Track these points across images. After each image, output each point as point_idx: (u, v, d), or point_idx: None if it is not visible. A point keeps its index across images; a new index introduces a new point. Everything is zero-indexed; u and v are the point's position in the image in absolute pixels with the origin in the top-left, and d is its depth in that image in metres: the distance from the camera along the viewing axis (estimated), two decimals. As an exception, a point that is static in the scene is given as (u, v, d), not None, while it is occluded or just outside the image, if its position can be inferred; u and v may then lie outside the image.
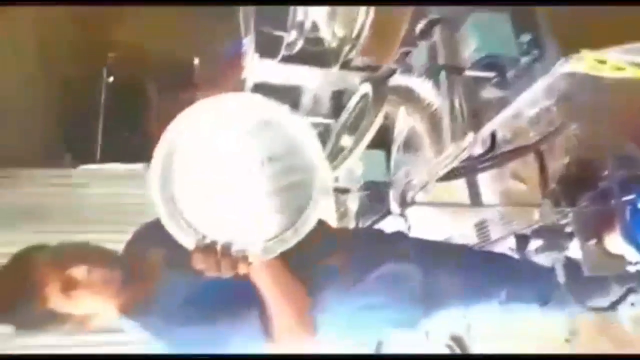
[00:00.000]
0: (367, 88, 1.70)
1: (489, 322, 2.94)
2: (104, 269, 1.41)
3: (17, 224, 3.40)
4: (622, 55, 1.07)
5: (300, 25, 1.53)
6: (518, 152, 2.05)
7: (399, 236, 1.79)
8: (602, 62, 1.07)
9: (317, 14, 1.52)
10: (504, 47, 1.21)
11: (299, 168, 1.15)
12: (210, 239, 1.14)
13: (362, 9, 1.35)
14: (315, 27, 1.56)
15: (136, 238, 1.64)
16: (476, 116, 1.34)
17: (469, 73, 1.28)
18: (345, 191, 2.02)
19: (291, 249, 1.17)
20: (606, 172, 1.57)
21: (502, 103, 1.30)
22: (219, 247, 1.14)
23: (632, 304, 1.59)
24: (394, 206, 1.66)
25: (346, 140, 1.81)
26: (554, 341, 2.59)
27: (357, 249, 1.69)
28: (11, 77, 4.16)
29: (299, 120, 1.15)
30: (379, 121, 1.66)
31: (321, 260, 1.56)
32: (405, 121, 1.62)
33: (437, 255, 1.80)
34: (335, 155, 1.81)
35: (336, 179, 2.02)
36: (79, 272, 1.38)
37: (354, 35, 1.41)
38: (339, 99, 2.00)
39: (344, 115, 1.88)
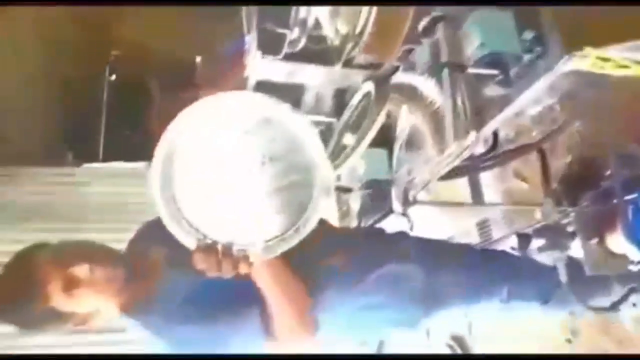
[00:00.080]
0: (369, 86, 1.70)
1: (490, 321, 2.95)
2: (106, 267, 1.41)
3: (19, 223, 3.40)
4: (625, 53, 1.07)
5: (303, 23, 1.53)
6: (520, 151, 2.05)
7: (400, 235, 1.79)
8: (606, 59, 1.06)
9: (320, 11, 1.51)
10: (507, 44, 1.21)
11: (300, 167, 1.15)
12: (211, 239, 1.14)
13: (365, 7, 1.34)
14: (317, 24, 1.56)
15: (138, 236, 1.64)
16: (479, 114, 1.33)
17: (471, 71, 1.27)
18: (347, 190, 2.02)
19: (292, 249, 1.16)
20: (608, 172, 1.56)
21: (505, 101, 1.29)
22: (220, 247, 1.14)
23: (634, 304, 1.59)
24: (396, 205, 1.66)
25: (348, 139, 1.81)
26: (555, 341, 2.59)
27: (358, 249, 1.68)
28: (13, 76, 4.17)
29: (300, 119, 1.14)
30: (381, 119, 1.65)
31: (322, 260, 1.56)
32: (407, 119, 1.62)
33: (439, 255, 1.80)
34: (338, 154, 1.80)
35: (338, 178, 2.01)
36: (81, 270, 1.38)
37: (356, 32, 1.40)
38: (341, 97, 2.00)
39: (347, 114, 1.88)
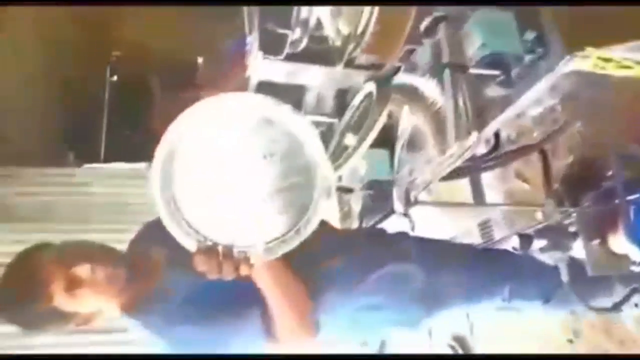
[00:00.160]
0: (371, 87, 1.70)
1: (491, 321, 2.95)
2: (108, 267, 1.41)
3: (21, 223, 3.41)
4: (627, 54, 1.07)
5: (305, 23, 1.52)
6: (522, 152, 2.05)
7: (402, 236, 1.79)
8: (607, 60, 1.06)
9: (322, 12, 1.51)
10: (508, 45, 1.21)
11: (301, 168, 1.15)
12: (212, 240, 1.14)
13: (367, 7, 1.34)
14: (319, 25, 1.56)
15: (139, 237, 1.64)
16: (480, 115, 1.33)
17: (473, 71, 1.27)
18: (348, 190, 2.02)
19: (293, 250, 1.16)
20: (610, 172, 1.56)
21: (507, 102, 1.29)
22: (220, 249, 1.14)
23: (636, 305, 1.59)
24: (398, 205, 1.66)
25: (350, 139, 1.80)
26: (557, 341, 2.59)
27: (359, 249, 1.68)
28: (14, 77, 4.17)
29: (301, 120, 1.14)
30: (382, 120, 1.65)
31: (323, 261, 1.56)
32: (409, 120, 1.62)
33: (440, 255, 1.80)
34: (339, 154, 1.80)
35: (339, 178, 2.01)
36: (82, 270, 1.38)
37: (358, 33, 1.40)
38: (343, 98, 2.00)
39: (348, 114, 1.88)
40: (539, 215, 1.99)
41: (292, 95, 1.95)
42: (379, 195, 1.85)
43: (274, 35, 1.53)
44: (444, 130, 1.37)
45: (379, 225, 1.87)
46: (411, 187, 1.65)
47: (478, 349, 3.19)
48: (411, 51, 1.51)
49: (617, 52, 1.07)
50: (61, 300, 1.36)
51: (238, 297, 1.34)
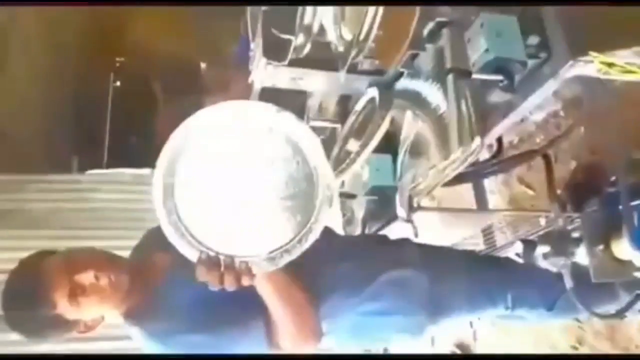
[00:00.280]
0: (373, 92, 1.70)
1: (494, 328, 2.94)
2: (111, 274, 1.41)
3: (25, 230, 3.41)
4: (631, 58, 1.07)
5: (308, 29, 1.53)
6: (525, 157, 2.05)
7: (405, 242, 1.79)
8: (611, 64, 1.06)
9: (325, 17, 1.52)
10: (511, 50, 1.20)
11: (303, 177, 1.14)
12: (214, 251, 1.14)
13: (370, 12, 1.34)
14: (322, 30, 1.56)
15: (143, 243, 1.64)
16: (483, 120, 1.33)
17: (476, 76, 1.27)
18: (351, 196, 2.01)
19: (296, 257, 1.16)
20: (614, 177, 1.56)
21: (510, 107, 1.29)
22: (222, 260, 1.14)
23: (640, 311, 1.58)
24: (401, 211, 1.65)
25: (352, 145, 1.80)
26: (561, 348, 2.58)
27: (362, 256, 1.68)
28: (18, 84, 4.19)
29: (303, 128, 1.14)
30: (385, 125, 1.65)
31: (326, 267, 1.55)
32: (411, 125, 1.61)
33: (443, 261, 1.79)
34: (342, 160, 1.80)
35: (342, 184, 2.01)
36: (86, 277, 1.38)
37: (361, 38, 1.40)
38: (345, 103, 2.00)
39: (351, 120, 1.88)
40: (542, 220, 1.99)
41: (295, 100, 1.95)
42: (381, 201, 1.85)
43: (277, 41, 1.53)
44: (447, 136, 1.36)
45: (382, 232, 1.87)
46: (414, 193, 1.65)
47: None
48: (414, 56, 1.51)
49: (621, 56, 1.07)
50: (65, 307, 1.36)
51: (241, 306, 1.34)
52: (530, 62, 1.21)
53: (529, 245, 1.63)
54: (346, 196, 2.04)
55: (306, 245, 1.14)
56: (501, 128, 1.35)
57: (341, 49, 1.55)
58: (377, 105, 1.67)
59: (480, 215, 2.19)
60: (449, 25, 1.38)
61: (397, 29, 1.39)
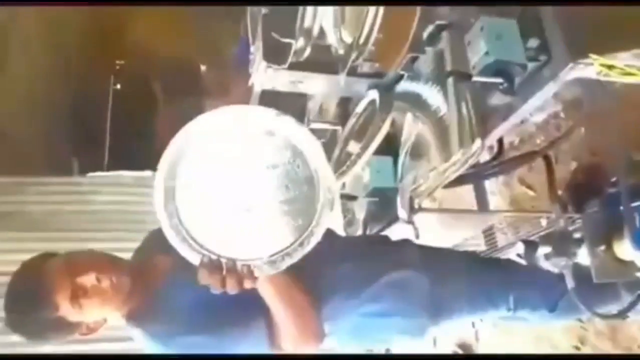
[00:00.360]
0: (374, 94, 1.71)
1: (496, 329, 2.94)
2: (113, 276, 1.42)
3: (26, 232, 3.41)
4: (631, 60, 1.07)
5: (308, 32, 1.53)
6: (525, 158, 2.05)
7: (406, 243, 1.79)
8: (611, 67, 1.06)
9: (325, 20, 1.52)
10: (511, 52, 1.21)
11: (304, 180, 1.14)
12: (215, 254, 1.14)
13: (370, 15, 1.35)
14: (322, 33, 1.56)
15: (144, 245, 1.65)
16: (484, 122, 1.34)
17: (476, 79, 1.27)
18: (352, 198, 2.02)
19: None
20: (614, 178, 1.56)
21: (510, 109, 1.29)
22: (224, 263, 1.14)
23: (642, 311, 1.58)
24: (402, 213, 1.66)
25: (353, 147, 1.81)
26: (563, 349, 2.58)
27: (363, 257, 1.68)
28: (19, 86, 4.20)
29: (304, 131, 1.14)
30: (386, 127, 1.65)
31: (327, 269, 1.55)
32: (412, 127, 1.62)
33: (444, 262, 1.79)
34: (343, 162, 1.80)
35: (343, 186, 2.01)
36: (88, 280, 1.38)
37: (361, 41, 1.40)
38: (346, 105, 2.00)
39: (351, 122, 1.88)
40: (544, 221, 1.99)
41: (295, 103, 1.95)
42: (382, 202, 1.85)
43: (277, 45, 1.53)
44: (448, 138, 1.37)
45: (383, 233, 1.87)
46: (415, 195, 1.65)
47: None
48: (414, 59, 1.51)
49: (621, 59, 1.07)
50: (67, 309, 1.37)
51: (242, 308, 1.34)
52: (530, 65, 1.21)
53: (531, 246, 1.63)
54: (347, 198, 2.04)
55: (308, 248, 1.14)
56: (501, 130, 1.36)
57: (341, 52, 1.55)
58: (378, 107, 1.67)
59: (481, 217, 2.19)
60: (448, 28, 1.39)
61: (397, 31, 1.39)
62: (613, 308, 1.51)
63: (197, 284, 1.14)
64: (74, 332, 1.44)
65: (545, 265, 1.60)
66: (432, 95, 1.51)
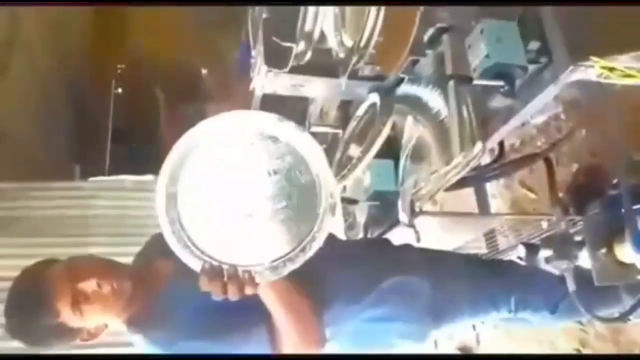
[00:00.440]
0: (374, 97, 1.71)
1: (498, 331, 2.93)
2: (114, 282, 1.41)
3: (28, 237, 3.41)
4: (631, 63, 1.07)
5: (309, 36, 1.53)
6: (526, 161, 2.05)
7: (407, 247, 1.79)
8: (611, 69, 1.06)
9: (325, 24, 1.52)
10: (512, 55, 1.21)
11: (306, 186, 1.14)
12: (216, 260, 1.14)
13: (370, 18, 1.35)
14: (323, 37, 1.56)
15: (145, 250, 1.64)
16: (485, 125, 1.34)
17: (477, 82, 1.27)
18: (353, 201, 2.02)
19: None
20: (615, 180, 1.56)
21: (511, 111, 1.29)
22: (225, 269, 1.14)
23: (644, 314, 1.57)
24: (403, 216, 1.66)
25: (354, 150, 1.81)
26: (564, 351, 2.58)
27: (364, 261, 1.68)
28: (19, 91, 4.20)
29: (305, 136, 1.14)
30: (386, 131, 1.66)
31: (328, 274, 1.55)
32: (413, 130, 1.62)
33: (446, 266, 1.79)
34: (344, 165, 1.80)
35: (344, 189, 2.01)
36: (89, 286, 1.38)
37: (362, 45, 1.41)
38: (347, 108, 2.00)
39: (352, 125, 1.88)
40: (545, 224, 1.99)
41: (296, 106, 1.95)
42: (383, 206, 1.85)
43: (278, 49, 1.53)
44: (449, 141, 1.37)
45: (384, 237, 1.87)
46: (416, 198, 1.65)
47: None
48: (415, 62, 1.51)
49: (622, 61, 1.07)
50: (68, 315, 1.36)
51: (243, 313, 1.34)
52: (531, 68, 1.21)
53: (532, 249, 1.63)
54: (348, 201, 2.04)
55: (310, 253, 1.14)
56: (502, 133, 1.36)
57: (342, 55, 1.55)
58: (378, 110, 1.67)
59: (482, 220, 2.19)
60: (449, 31, 1.39)
61: (397, 35, 1.39)
62: (615, 311, 1.51)
63: (198, 290, 1.13)
64: (75, 338, 1.44)
65: (547, 267, 1.60)
66: (432, 98, 1.51)
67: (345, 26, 1.50)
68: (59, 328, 1.38)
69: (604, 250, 1.42)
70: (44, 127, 4.41)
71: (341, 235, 2.12)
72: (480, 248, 2.45)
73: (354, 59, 1.47)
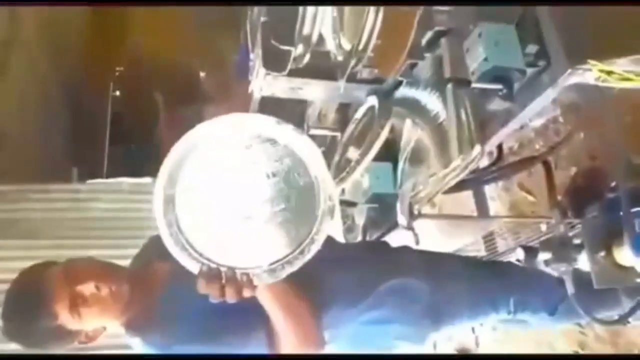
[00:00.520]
0: (373, 100, 1.71)
1: (497, 333, 2.93)
2: (112, 284, 1.41)
3: (27, 239, 3.41)
4: (629, 66, 1.07)
5: (307, 39, 1.53)
6: (525, 164, 2.05)
7: (405, 249, 1.79)
8: (609, 72, 1.07)
9: (324, 27, 1.52)
10: (510, 58, 1.21)
11: (304, 188, 1.14)
12: (214, 263, 1.13)
13: (369, 21, 1.35)
14: (321, 40, 1.57)
15: (143, 252, 1.64)
16: (483, 128, 1.34)
17: (475, 85, 1.27)
18: (351, 204, 2.02)
19: None
20: (614, 183, 1.56)
21: (509, 114, 1.29)
22: (223, 272, 1.14)
23: (642, 317, 1.57)
24: (401, 219, 1.66)
25: (352, 153, 1.81)
26: (563, 353, 2.58)
27: (363, 264, 1.68)
28: (19, 95, 4.20)
29: (304, 139, 1.14)
30: (385, 133, 1.66)
31: (327, 277, 1.55)
32: (411, 133, 1.62)
33: (445, 268, 1.79)
34: (342, 168, 1.80)
35: (342, 192, 2.01)
36: (87, 288, 1.38)
37: (360, 47, 1.41)
38: (345, 111, 2.01)
39: (350, 128, 1.88)
40: (543, 227, 1.99)
41: (294, 109, 1.95)
42: (382, 208, 1.85)
43: (276, 52, 1.54)
44: (447, 144, 1.37)
45: (383, 239, 1.87)
46: (415, 201, 1.65)
47: (483, 360, 3.18)
48: (413, 65, 1.52)
49: (619, 64, 1.07)
50: (66, 318, 1.36)
51: (242, 316, 1.33)
52: (529, 71, 1.21)
53: (531, 252, 1.63)
54: (347, 204, 2.04)
55: (308, 256, 1.14)
56: (501, 136, 1.36)
57: (340, 58, 1.55)
58: (377, 113, 1.67)
59: (481, 222, 2.19)
60: (447, 34, 1.39)
61: (395, 38, 1.40)
62: (614, 313, 1.51)
63: (197, 293, 1.13)
64: (73, 341, 1.43)
65: (546, 270, 1.60)
66: (431, 101, 1.51)
67: (343, 29, 1.50)
68: (57, 331, 1.38)
69: (602, 253, 1.42)
70: (42, 128, 4.41)
71: (340, 237, 2.12)
72: (479, 251, 2.45)
73: (353, 62, 1.48)
